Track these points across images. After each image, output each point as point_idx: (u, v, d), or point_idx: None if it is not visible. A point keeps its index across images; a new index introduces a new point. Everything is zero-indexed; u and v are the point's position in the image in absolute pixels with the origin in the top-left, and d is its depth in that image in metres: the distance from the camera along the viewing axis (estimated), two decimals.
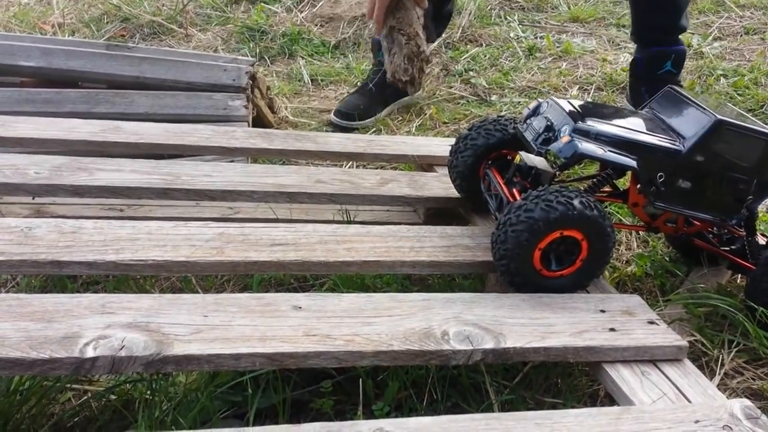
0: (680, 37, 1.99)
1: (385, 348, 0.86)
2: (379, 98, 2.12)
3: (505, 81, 2.31)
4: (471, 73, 2.42)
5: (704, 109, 1.12)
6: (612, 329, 0.96)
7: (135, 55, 1.91)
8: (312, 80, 2.37)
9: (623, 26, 2.75)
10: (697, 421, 0.82)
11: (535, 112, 1.19)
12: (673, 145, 1.10)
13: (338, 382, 1.06)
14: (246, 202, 1.36)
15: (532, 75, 2.36)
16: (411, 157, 1.53)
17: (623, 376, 0.91)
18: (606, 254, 1.05)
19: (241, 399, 1.04)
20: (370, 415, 1.01)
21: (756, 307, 1.12)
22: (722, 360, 1.14)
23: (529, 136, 1.16)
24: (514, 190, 1.15)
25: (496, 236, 1.04)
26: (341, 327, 0.89)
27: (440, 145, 1.59)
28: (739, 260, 1.24)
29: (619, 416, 0.82)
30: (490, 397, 1.03)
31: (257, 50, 2.58)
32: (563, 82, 2.29)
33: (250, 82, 1.85)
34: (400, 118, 2.10)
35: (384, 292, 1.19)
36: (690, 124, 1.11)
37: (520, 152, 1.21)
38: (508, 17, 2.83)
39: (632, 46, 2.53)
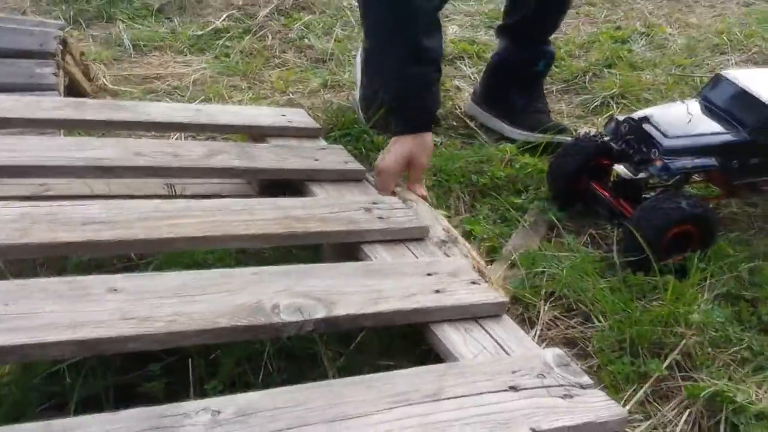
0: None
1: (210, 326, 0.83)
2: None
3: (344, 50, 2.30)
4: (305, 40, 2.39)
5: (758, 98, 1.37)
6: (437, 291, 0.99)
7: None
8: (134, 46, 2.22)
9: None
10: (514, 372, 0.87)
11: (622, 128, 1.43)
12: (739, 136, 1.37)
13: (169, 364, 1.02)
14: (58, 179, 1.25)
15: None
16: (240, 128, 1.48)
17: (448, 335, 0.94)
18: None
19: (60, 389, 0.96)
20: (203, 395, 0.97)
21: None
22: (541, 313, 1.22)
23: (624, 154, 1.41)
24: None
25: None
26: (162, 308, 0.84)
27: (272, 116, 1.55)
28: None
29: (444, 373, 0.85)
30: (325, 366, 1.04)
31: (71, 13, 2.37)
32: None
33: (60, 47, 1.69)
34: (232, 86, 2.03)
35: (216, 268, 1.15)
36: (748, 113, 1.39)
37: (615, 166, 1.44)
38: None
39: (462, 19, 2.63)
